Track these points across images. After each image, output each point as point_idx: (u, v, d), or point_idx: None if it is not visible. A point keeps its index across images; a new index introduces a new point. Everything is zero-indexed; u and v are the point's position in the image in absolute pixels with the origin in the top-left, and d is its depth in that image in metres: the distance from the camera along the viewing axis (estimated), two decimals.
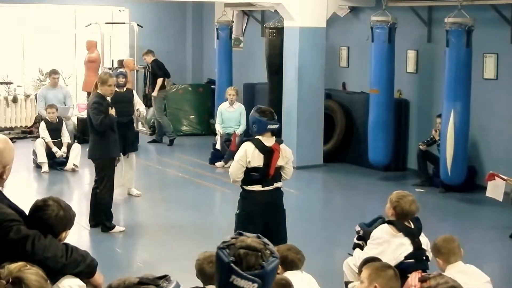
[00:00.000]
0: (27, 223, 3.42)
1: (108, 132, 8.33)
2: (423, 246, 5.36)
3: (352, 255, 5.63)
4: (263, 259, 2.51)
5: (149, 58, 14.13)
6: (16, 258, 3.29)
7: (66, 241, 3.56)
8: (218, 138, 12.32)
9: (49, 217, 3.45)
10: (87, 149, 8.68)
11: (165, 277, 2.44)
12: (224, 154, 12.08)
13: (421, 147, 10.76)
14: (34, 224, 3.42)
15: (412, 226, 5.37)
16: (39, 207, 3.49)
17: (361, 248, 5.54)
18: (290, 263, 4.76)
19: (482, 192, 10.49)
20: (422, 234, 5.43)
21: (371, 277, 4.12)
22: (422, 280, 4.07)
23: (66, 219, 3.52)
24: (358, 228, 5.69)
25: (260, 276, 2.49)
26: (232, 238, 2.58)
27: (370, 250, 5.29)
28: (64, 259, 3.37)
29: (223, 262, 2.50)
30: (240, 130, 12.17)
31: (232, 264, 2.48)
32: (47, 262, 3.32)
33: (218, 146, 12.31)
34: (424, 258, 5.36)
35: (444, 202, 10.04)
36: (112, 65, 14.35)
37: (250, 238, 2.57)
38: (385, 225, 5.34)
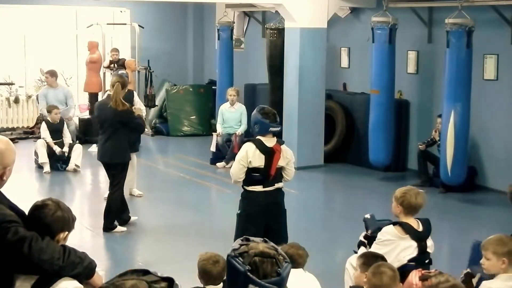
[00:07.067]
0: (26, 224, 3.43)
1: (127, 136, 8.50)
2: (428, 249, 5.31)
3: (356, 252, 5.61)
4: (278, 265, 2.50)
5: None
6: (14, 260, 3.32)
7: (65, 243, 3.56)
8: (214, 140, 12.35)
9: (46, 216, 3.44)
10: (100, 152, 8.59)
11: (170, 281, 2.37)
12: (225, 154, 12.12)
13: (420, 146, 10.78)
14: (31, 224, 3.42)
15: (421, 229, 5.28)
16: (38, 207, 3.49)
17: (365, 247, 5.52)
18: (290, 259, 4.76)
19: (482, 192, 10.53)
20: (429, 237, 5.35)
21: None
22: (423, 279, 4.10)
23: (64, 219, 3.49)
24: (368, 216, 5.63)
25: (277, 283, 2.47)
26: (242, 245, 2.54)
27: (376, 250, 5.27)
28: (61, 261, 3.36)
29: (238, 271, 2.46)
30: (241, 130, 12.22)
31: (249, 273, 2.45)
32: (43, 264, 3.33)
33: (212, 148, 12.35)
34: (427, 261, 5.31)
35: (444, 202, 10.05)
36: (114, 66, 14.37)
37: (260, 244, 2.54)
38: (391, 226, 5.26)
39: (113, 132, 8.31)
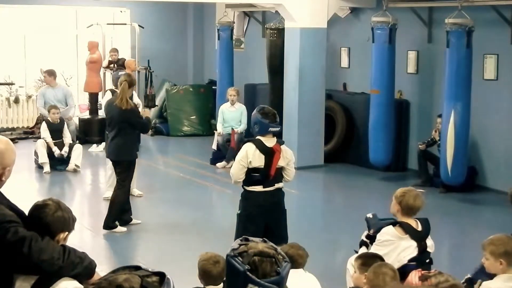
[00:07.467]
0: (26, 223, 3.43)
1: (133, 134, 8.58)
2: (428, 249, 5.32)
3: (357, 252, 5.61)
4: (277, 265, 2.51)
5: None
6: (14, 260, 3.32)
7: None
8: (215, 138, 12.39)
9: (46, 215, 3.44)
10: (108, 150, 8.68)
11: (161, 275, 2.38)
12: (225, 154, 12.12)
13: (420, 146, 10.79)
14: (31, 224, 3.42)
15: (420, 228, 5.29)
16: (38, 207, 3.50)
17: (367, 247, 5.52)
18: (290, 259, 4.77)
19: (482, 192, 10.54)
20: (429, 236, 5.36)
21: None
22: (422, 279, 4.09)
23: (64, 219, 3.49)
24: (370, 215, 5.63)
25: (276, 282, 2.48)
26: (241, 245, 2.54)
27: (376, 251, 5.27)
28: (61, 261, 3.36)
29: (238, 270, 2.47)
30: (240, 129, 12.22)
31: (248, 273, 2.45)
32: (43, 264, 3.33)
33: (214, 146, 12.38)
34: (427, 261, 5.32)
35: (445, 202, 10.05)
36: (114, 66, 14.37)
37: (260, 244, 2.54)
38: (390, 227, 5.27)
39: (119, 130, 8.38)
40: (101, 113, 12.57)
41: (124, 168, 8.50)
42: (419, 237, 5.26)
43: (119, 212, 8.53)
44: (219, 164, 12.08)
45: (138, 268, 2.35)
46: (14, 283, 3.38)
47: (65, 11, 15.63)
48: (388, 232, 5.25)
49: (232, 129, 12.14)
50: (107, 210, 8.51)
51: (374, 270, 4.28)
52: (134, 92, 10.70)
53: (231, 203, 8.72)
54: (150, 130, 14.89)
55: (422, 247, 5.26)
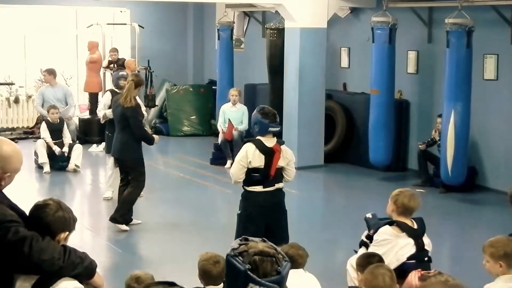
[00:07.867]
0: (26, 223, 3.43)
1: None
2: (426, 247, 5.36)
3: (357, 252, 5.62)
4: (278, 264, 2.51)
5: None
6: (14, 260, 3.32)
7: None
8: (220, 135, 12.38)
9: (47, 215, 3.44)
10: (112, 147, 8.70)
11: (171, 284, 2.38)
12: (225, 154, 12.11)
13: (420, 146, 10.79)
14: (32, 223, 3.42)
15: (416, 227, 5.35)
16: (39, 207, 3.49)
17: (367, 247, 5.53)
18: (290, 260, 4.76)
19: (482, 192, 10.54)
20: (425, 235, 5.41)
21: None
22: (422, 279, 4.10)
23: (65, 219, 3.49)
24: (369, 215, 5.65)
25: (277, 282, 2.49)
26: (241, 245, 2.55)
27: (374, 252, 5.28)
28: (61, 261, 3.36)
29: (239, 270, 2.47)
30: (241, 128, 12.20)
31: (249, 272, 2.46)
32: (43, 264, 3.32)
33: (219, 141, 12.37)
34: (426, 259, 5.36)
35: (445, 202, 10.06)
36: (114, 66, 14.37)
37: (259, 243, 2.55)
38: (387, 226, 5.31)
39: (122, 128, 8.42)
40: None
41: (131, 166, 8.51)
42: (416, 235, 5.31)
43: (128, 209, 8.53)
44: (227, 166, 11.88)
45: (172, 284, 2.35)
46: (15, 283, 3.38)
47: (65, 11, 15.63)
48: (385, 232, 5.30)
49: (229, 120, 12.10)
50: (117, 205, 8.55)
51: (372, 271, 4.29)
52: None
53: (231, 203, 8.72)
54: (150, 130, 14.86)
55: (419, 245, 5.30)
